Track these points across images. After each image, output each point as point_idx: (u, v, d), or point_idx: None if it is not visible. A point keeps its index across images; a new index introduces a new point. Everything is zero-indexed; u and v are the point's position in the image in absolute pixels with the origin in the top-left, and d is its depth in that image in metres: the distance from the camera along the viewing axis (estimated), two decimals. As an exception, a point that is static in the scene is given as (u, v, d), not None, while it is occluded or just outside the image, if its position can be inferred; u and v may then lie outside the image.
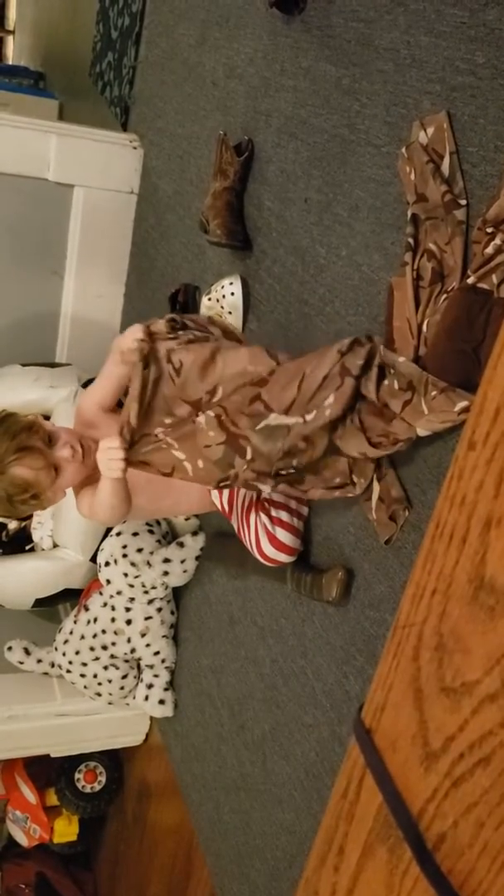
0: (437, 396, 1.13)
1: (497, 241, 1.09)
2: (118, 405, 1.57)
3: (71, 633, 2.22)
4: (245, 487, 1.35)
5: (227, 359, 1.32)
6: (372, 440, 1.23)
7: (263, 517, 1.50)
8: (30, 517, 2.29)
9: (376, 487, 1.32)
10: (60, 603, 2.43)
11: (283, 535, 1.49)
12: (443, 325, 1.17)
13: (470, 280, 1.12)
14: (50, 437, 1.45)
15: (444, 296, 1.19)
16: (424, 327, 1.22)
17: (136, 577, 2.06)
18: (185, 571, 2.05)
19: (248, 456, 1.31)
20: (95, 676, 2.21)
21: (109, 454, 1.31)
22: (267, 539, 1.50)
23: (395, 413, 1.19)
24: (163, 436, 1.32)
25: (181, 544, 2.04)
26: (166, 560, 2.04)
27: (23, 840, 2.88)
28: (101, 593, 2.16)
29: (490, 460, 0.54)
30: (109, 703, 2.32)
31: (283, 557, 1.51)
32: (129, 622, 2.14)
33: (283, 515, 1.50)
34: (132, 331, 1.36)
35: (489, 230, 1.10)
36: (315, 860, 0.76)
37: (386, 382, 1.20)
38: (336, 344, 1.24)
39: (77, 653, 2.20)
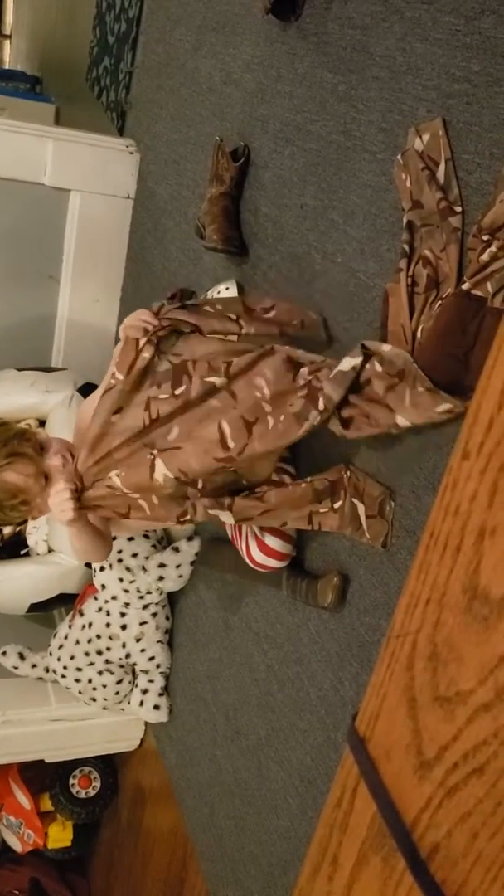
0: (424, 393, 1.14)
1: (493, 248, 1.09)
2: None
3: (66, 637, 2.22)
4: (207, 518, 1.36)
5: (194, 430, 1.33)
6: (343, 415, 1.22)
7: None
8: (25, 522, 2.28)
9: (362, 509, 1.33)
10: (55, 608, 2.42)
11: (271, 541, 1.49)
12: (435, 329, 1.17)
13: (465, 286, 1.12)
14: (42, 446, 1.46)
15: (439, 302, 1.20)
16: (419, 333, 1.22)
17: (132, 581, 2.06)
18: (180, 576, 2.05)
19: (200, 486, 1.34)
20: (90, 681, 2.21)
21: (57, 498, 1.34)
22: (256, 545, 1.50)
23: (378, 394, 1.19)
24: (117, 481, 1.34)
25: (176, 549, 2.04)
26: (161, 565, 2.03)
27: (17, 846, 2.87)
28: (95, 598, 2.15)
29: (484, 470, 0.54)
30: (104, 709, 2.31)
31: (273, 563, 1.51)
32: (123, 627, 2.13)
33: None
34: (139, 313, 1.36)
35: (485, 238, 1.10)
36: (309, 869, 0.76)
37: (368, 366, 1.20)
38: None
39: (72, 658, 2.20)
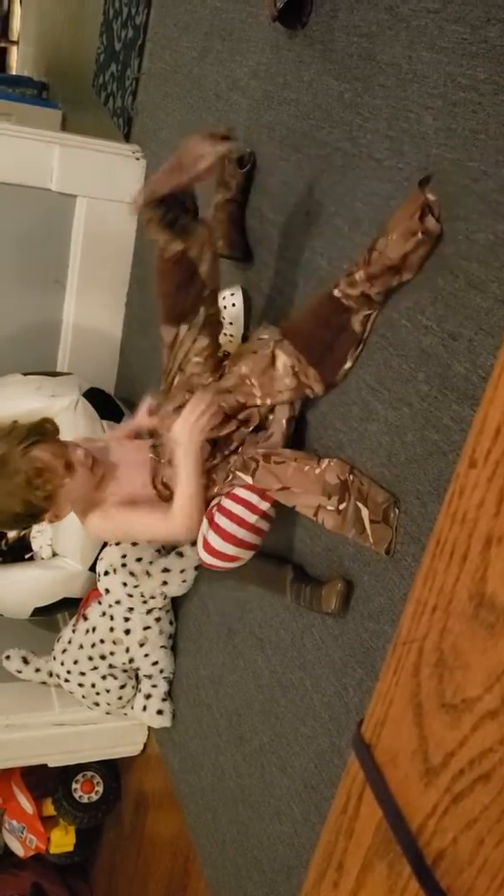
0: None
1: (362, 273, 1.32)
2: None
3: (69, 642, 2.22)
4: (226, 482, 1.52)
5: None
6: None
7: (205, 522, 1.51)
8: (29, 526, 2.29)
9: (365, 513, 1.33)
10: (59, 612, 2.43)
11: (212, 539, 1.49)
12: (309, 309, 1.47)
13: (336, 291, 1.37)
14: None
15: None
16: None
17: (135, 586, 2.06)
18: (184, 581, 2.05)
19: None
20: (93, 686, 2.21)
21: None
22: (202, 543, 1.51)
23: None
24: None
25: (180, 554, 2.04)
26: (165, 570, 2.04)
27: (19, 850, 2.87)
28: (99, 602, 2.15)
29: (491, 478, 0.54)
30: (107, 713, 2.31)
31: (217, 562, 1.52)
32: (127, 632, 2.13)
33: (222, 521, 1.49)
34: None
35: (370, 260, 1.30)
36: (314, 875, 0.76)
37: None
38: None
39: (75, 662, 2.20)
